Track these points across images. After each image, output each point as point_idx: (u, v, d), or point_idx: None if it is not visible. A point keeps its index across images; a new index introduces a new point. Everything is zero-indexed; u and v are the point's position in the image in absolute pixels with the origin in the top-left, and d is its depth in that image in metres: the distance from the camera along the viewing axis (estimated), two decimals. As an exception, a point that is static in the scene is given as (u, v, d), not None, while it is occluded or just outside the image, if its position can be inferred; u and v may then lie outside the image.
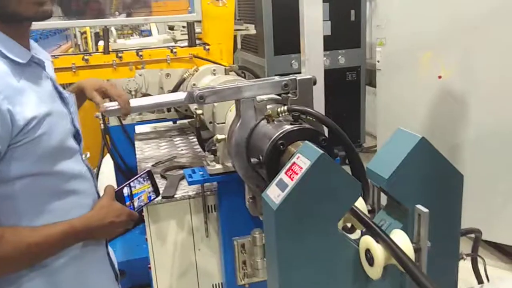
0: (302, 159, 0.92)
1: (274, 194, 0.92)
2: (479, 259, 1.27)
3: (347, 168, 1.05)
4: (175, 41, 2.85)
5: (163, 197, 1.68)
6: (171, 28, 3.18)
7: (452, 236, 1.02)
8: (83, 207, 1.21)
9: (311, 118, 1.32)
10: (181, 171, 1.86)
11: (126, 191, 1.33)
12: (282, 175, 0.94)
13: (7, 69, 1.05)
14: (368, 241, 0.91)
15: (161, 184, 1.78)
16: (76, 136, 1.23)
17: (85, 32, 6.19)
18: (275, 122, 1.34)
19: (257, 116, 1.41)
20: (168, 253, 1.75)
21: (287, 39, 4.05)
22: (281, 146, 1.23)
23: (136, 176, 1.40)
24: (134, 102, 1.39)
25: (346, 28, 4.46)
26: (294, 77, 1.45)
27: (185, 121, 2.61)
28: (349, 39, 4.51)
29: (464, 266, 1.15)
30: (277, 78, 1.48)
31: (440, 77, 2.99)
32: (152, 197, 1.40)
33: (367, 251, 0.91)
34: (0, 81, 1.03)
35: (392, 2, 3.31)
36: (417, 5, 3.09)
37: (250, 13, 4.52)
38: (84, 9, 2.39)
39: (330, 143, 1.26)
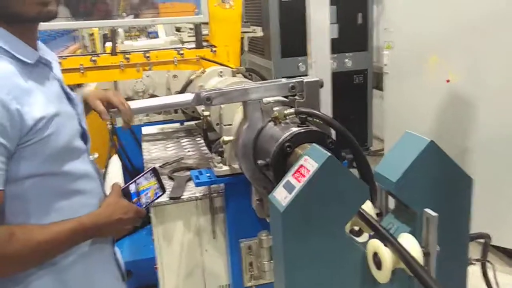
0: (309, 162, 0.92)
1: (281, 196, 0.92)
2: (488, 265, 1.26)
3: (354, 171, 1.05)
4: (182, 43, 2.85)
5: (170, 198, 1.69)
6: (178, 30, 3.18)
7: (461, 240, 1.01)
8: (90, 207, 1.21)
9: (318, 121, 1.31)
10: (188, 173, 1.86)
11: (132, 188, 1.33)
12: (289, 177, 0.94)
13: (15, 70, 1.06)
14: (376, 245, 0.90)
15: (168, 185, 1.78)
16: (83, 136, 1.24)
17: (93, 34, 6.21)
18: (282, 124, 1.34)
19: (264, 118, 1.41)
20: (175, 253, 1.75)
21: (294, 42, 4.06)
22: (288, 148, 1.23)
23: (142, 173, 1.40)
24: (142, 103, 1.39)
25: (353, 31, 4.46)
26: (301, 79, 1.45)
27: (192, 122, 2.61)
28: (356, 42, 4.51)
29: (474, 272, 1.14)
30: (284, 80, 1.48)
31: (448, 81, 2.98)
32: (159, 194, 1.40)
33: (375, 255, 0.91)
34: (8, 81, 1.03)
35: (399, 5, 3.30)
36: (425, 8, 3.07)
37: (257, 15, 4.52)
38: (92, 10, 2.40)
39: (338, 146, 1.26)
